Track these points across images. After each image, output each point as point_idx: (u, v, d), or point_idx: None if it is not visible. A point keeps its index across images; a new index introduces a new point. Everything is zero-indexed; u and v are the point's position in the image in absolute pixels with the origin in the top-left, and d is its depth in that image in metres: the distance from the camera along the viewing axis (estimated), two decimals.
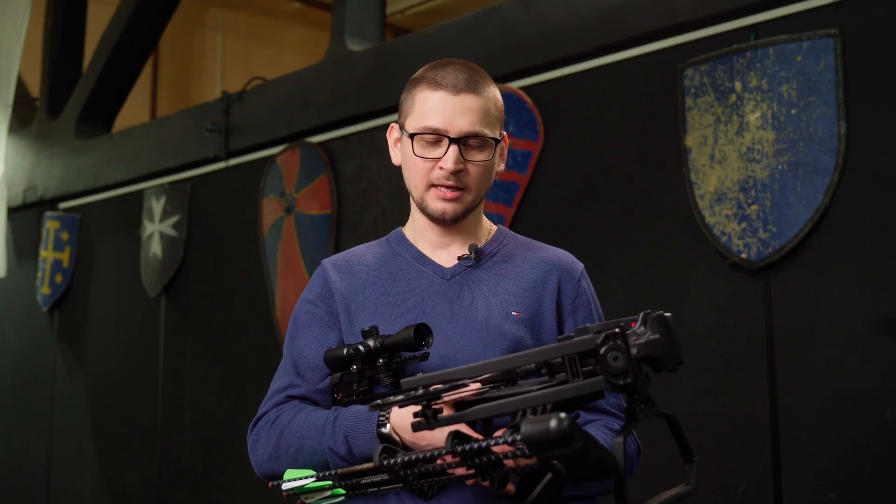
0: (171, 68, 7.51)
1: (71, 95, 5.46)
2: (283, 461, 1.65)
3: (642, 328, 1.27)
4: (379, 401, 1.56)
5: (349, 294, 1.73)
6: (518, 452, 1.31)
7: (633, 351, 1.24)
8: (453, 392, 1.41)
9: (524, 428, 1.19)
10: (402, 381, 1.42)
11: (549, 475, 1.39)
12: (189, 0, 6.33)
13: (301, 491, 1.57)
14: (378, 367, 1.62)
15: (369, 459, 1.54)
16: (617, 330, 1.23)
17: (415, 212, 1.78)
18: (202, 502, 4.43)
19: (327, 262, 1.79)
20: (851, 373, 2.63)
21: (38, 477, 5.26)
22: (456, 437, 1.37)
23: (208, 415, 4.42)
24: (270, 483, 1.62)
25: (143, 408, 4.73)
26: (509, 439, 1.28)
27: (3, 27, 5.36)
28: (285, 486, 1.58)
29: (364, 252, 1.80)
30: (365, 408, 1.59)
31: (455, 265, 1.73)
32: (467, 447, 1.34)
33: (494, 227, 1.81)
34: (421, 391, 1.39)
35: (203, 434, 4.44)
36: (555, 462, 1.22)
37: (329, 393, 1.71)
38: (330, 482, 1.55)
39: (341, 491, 1.56)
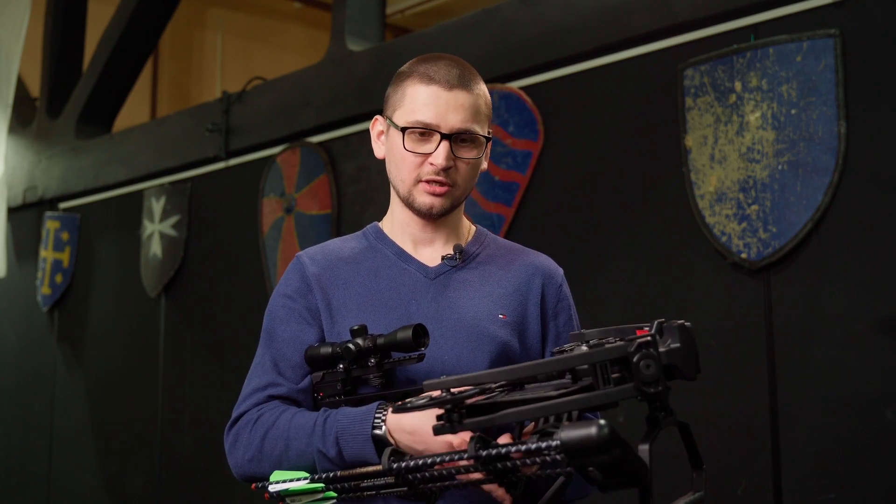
0: (171, 68, 7.51)
1: (71, 95, 5.46)
2: (266, 463, 1.58)
3: (657, 336, 1.26)
4: (401, 402, 1.48)
5: (330, 289, 1.67)
6: (548, 459, 1.25)
7: None
8: (476, 396, 1.35)
9: (563, 434, 1.15)
10: (425, 383, 1.35)
11: (558, 481, 1.36)
12: (189, 0, 6.33)
13: (288, 493, 1.48)
14: (369, 368, 1.57)
15: (360, 462, 1.49)
16: (649, 338, 1.23)
17: (396, 206, 1.75)
18: (202, 502, 4.42)
19: (304, 255, 1.74)
20: (851, 373, 2.63)
21: (38, 476, 5.26)
22: (479, 441, 1.32)
23: (208, 415, 4.42)
24: (253, 484, 1.54)
25: (143, 408, 4.73)
26: (543, 445, 1.24)
27: (3, 27, 5.36)
28: (273, 487, 1.49)
29: (340, 246, 1.75)
30: (356, 410, 1.53)
31: (439, 265, 1.71)
32: (493, 452, 1.29)
33: (473, 227, 1.80)
34: (447, 395, 1.33)
35: (203, 434, 4.43)
36: (591, 469, 1.18)
37: (310, 392, 1.65)
38: (322, 485, 1.47)
39: (332, 494, 1.48)
